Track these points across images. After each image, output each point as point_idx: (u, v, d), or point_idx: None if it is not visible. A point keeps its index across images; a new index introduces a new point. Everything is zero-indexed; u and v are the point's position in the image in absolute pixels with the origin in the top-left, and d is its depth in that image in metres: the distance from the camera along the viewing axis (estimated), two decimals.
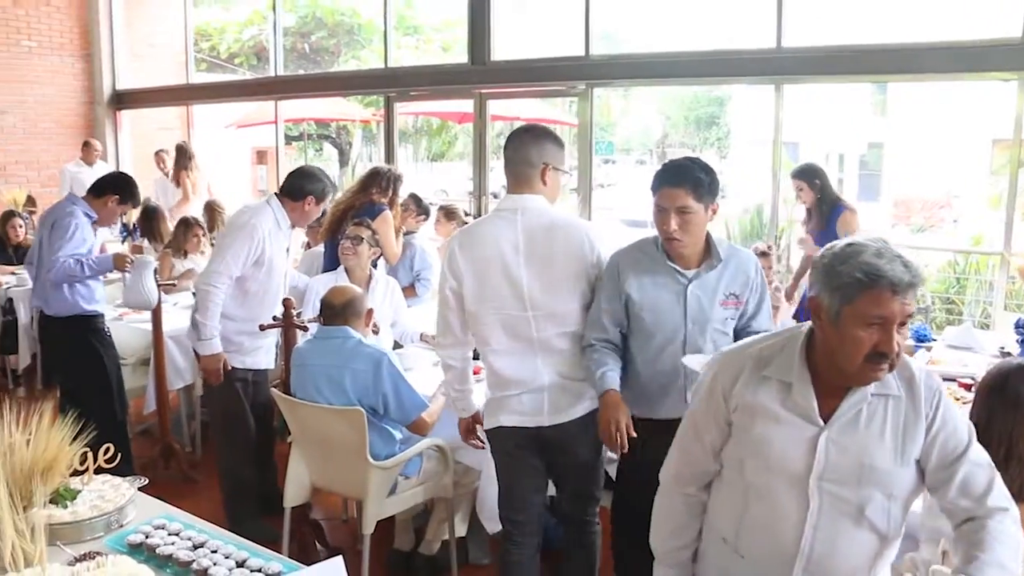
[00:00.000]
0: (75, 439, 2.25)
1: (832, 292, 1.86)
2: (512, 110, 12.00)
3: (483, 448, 3.36)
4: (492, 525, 3.90)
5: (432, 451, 3.79)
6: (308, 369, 3.62)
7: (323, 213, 4.94)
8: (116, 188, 4.77)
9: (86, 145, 10.08)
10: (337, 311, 3.64)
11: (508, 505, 3.22)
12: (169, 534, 2.36)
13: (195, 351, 4.38)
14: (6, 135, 11.04)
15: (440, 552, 4.00)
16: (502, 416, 3.08)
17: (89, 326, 4.76)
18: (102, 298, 4.84)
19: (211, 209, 7.68)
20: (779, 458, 1.98)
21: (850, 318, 1.83)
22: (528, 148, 3.00)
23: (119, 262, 4.72)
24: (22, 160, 11.22)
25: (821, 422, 1.96)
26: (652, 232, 3.00)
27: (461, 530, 4.03)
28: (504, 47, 8.51)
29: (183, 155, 9.20)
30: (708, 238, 2.91)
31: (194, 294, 5.79)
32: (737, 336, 2.97)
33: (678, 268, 2.89)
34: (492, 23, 8.20)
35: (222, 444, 4.54)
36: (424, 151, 22.28)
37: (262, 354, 4.38)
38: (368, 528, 3.58)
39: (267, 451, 4.63)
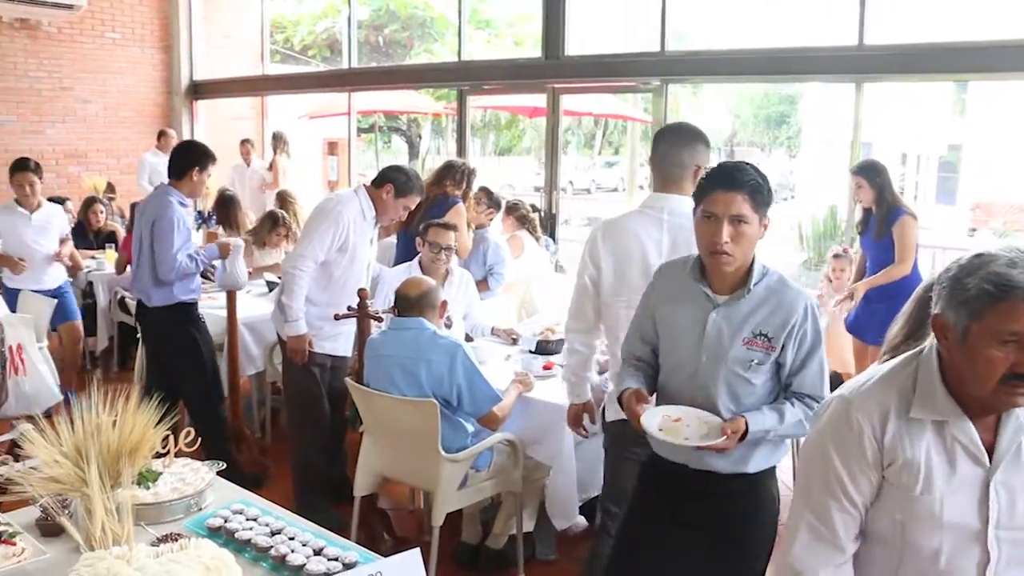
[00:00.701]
0: (159, 422, 2.27)
1: (958, 307, 1.65)
2: (583, 105, 11.92)
3: (587, 437, 3.37)
4: (560, 522, 3.89)
5: (503, 445, 3.78)
6: (382, 360, 3.63)
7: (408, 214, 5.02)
8: (192, 159, 4.79)
9: (162, 134, 10.34)
10: (412, 303, 3.65)
11: (610, 496, 3.20)
12: (247, 519, 2.40)
13: (279, 335, 4.46)
14: (89, 124, 11.36)
15: (507, 546, 3.99)
16: None
17: (188, 314, 4.86)
18: (197, 286, 4.93)
19: (283, 199, 7.77)
20: (951, 515, 1.73)
21: (980, 336, 1.63)
22: (681, 150, 2.99)
23: (224, 250, 4.86)
24: (103, 148, 11.53)
25: (987, 462, 1.72)
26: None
27: (528, 525, 4.01)
28: (578, 41, 8.45)
29: (280, 141, 9.59)
30: (752, 262, 2.49)
31: (268, 284, 5.93)
32: (777, 395, 2.57)
33: (708, 291, 2.50)
34: (567, 17, 8.15)
35: (295, 429, 4.60)
36: (492, 145, 22.34)
37: (342, 340, 4.41)
38: (438, 520, 3.58)
39: (338, 439, 4.67)
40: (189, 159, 4.77)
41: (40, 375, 4.74)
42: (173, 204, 4.68)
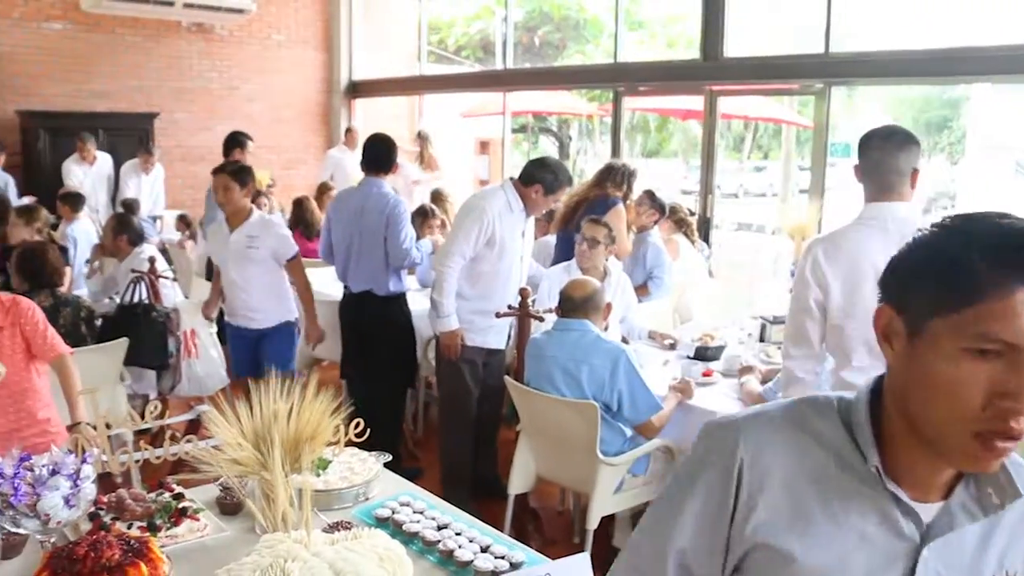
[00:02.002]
0: (333, 411, 2.31)
1: None
2: (739, 108, 11.64)
3: None
4: None
5: (660, 452, 3.70)
6: (544, 360, 3.62)
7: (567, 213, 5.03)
8: (395, 153, 4.98)
9: (349, 131, 10.73)
10: (577, 304, 3.62)
11: None
12: (414, 512, 2.41)
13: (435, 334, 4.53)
14: (254, 121, 11.85)
15: None
16: None
17: (406, 302, 5.01)
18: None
19: (437, 196, 7.90)
20: None
21: None
22: (897, 155, 2.85)
23: (437, 246, 5.11)
24: (265, 144, 11.98)
25: None
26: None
27: None
28: (735, 42, 8.23)
29: (426, 140, 10.00)
30: None
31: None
32: None
33: (905, 497, 1.17)
34: (726, 17, 7.95)
35: (444, 426, 4.66)
36: (639, 147, 22.14)
37: (493, 334, 4.43)
38: (592, 523, 3.55)
39: (490, 436, 4.68)
40: (393, 153, 4.93)
41: (211, 359, 4.97)
42: (396, 196, 4.82)
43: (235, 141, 7.19)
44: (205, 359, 4.93)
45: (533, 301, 4.21)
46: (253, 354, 4.78)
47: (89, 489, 2.05)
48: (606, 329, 4.11)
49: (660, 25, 16.99)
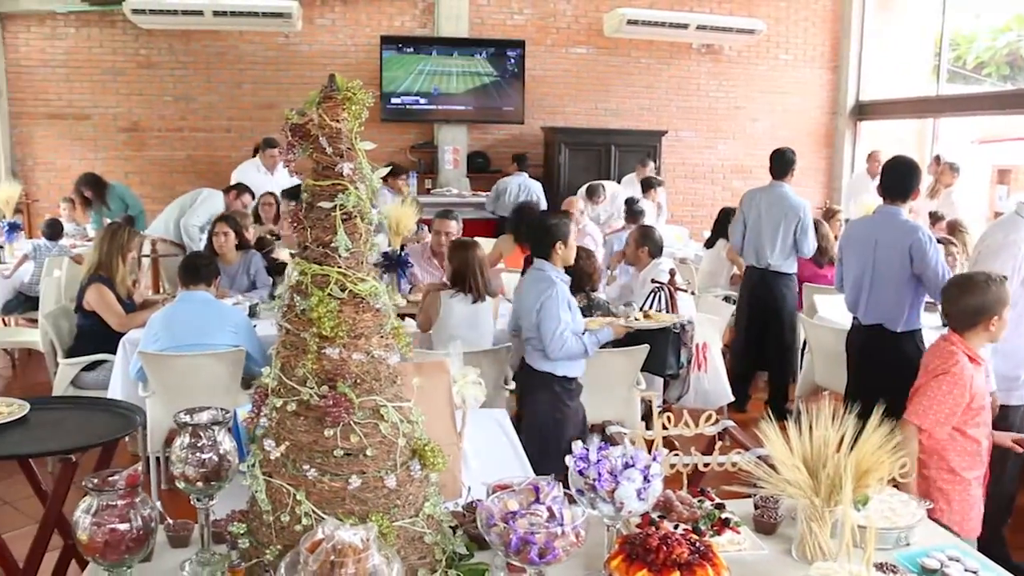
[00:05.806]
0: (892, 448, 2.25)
1: None
2: None
3: None
4: None
5: None
6: None
7: None
8: (916, 179, 4.61)
9: (871, 156, 10.40)
10: None
11: None
12: (966, 570, 2.26)
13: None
14: (755, 141, 12.01)
15: None
16: None
17: (922, 339, 4.67)
18: None
19: (953, 227, 7.37)
20: None
21: None
22: None
23: None
24: (766, 164, 12.04)
25: None
26: None
27: None
28: None
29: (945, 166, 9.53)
30: None
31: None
32: None
33: None
34: None
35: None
36: None
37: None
38: None
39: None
40: (915, 178, 4.59)
41: (718, 374, 5.10)
42: (916, 223, 4.56)
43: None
44: (712, 374, 5.07)
45: None
46: None
47: (657, 486, 2.20)
48: None
49: None
